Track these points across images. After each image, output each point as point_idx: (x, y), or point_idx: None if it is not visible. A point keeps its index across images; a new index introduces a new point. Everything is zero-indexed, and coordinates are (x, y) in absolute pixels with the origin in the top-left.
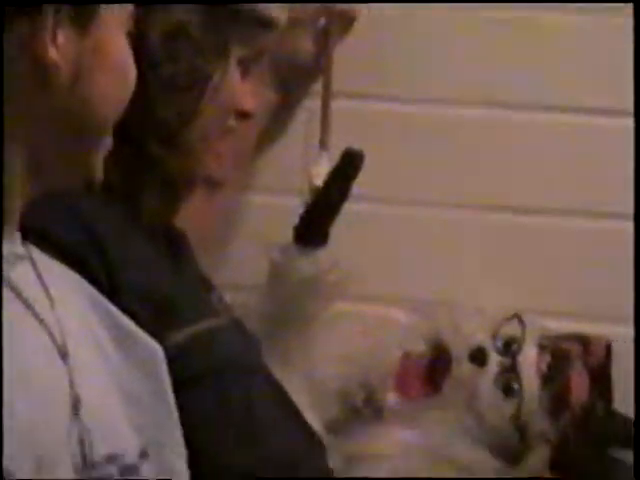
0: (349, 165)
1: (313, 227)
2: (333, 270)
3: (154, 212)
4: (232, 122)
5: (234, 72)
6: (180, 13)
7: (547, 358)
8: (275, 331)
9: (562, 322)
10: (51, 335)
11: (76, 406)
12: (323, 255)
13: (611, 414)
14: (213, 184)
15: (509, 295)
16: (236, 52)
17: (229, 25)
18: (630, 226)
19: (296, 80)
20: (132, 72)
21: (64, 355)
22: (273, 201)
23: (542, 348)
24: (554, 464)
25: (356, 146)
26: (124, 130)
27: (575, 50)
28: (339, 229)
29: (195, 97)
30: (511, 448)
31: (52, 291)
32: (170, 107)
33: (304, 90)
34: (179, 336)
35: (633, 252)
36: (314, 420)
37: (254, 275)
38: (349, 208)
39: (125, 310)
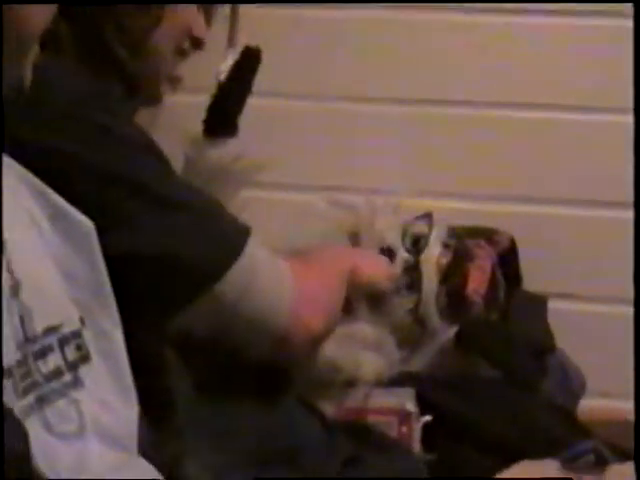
0: (248, 60)
1: (219, 119)
2: (240, 159)
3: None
4: (186, 46)
5: None
6: None
7: (449, 256)
8: None
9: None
10: None
11: (16, 289)
12: (231, 146)
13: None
14: (174, 81)
15: (424, 184)
16: None
17: None
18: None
19: None
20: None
21: (0, 244)
22: (190, 99)
23: (446, 247)
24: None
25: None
26: (94, 38)
27: None
28: (252, 123)
29: (156, 9)
30: (411, 341)
31: None
32: (135, 17)
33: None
34: None
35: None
36: None
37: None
38: (260, 103)
39: None
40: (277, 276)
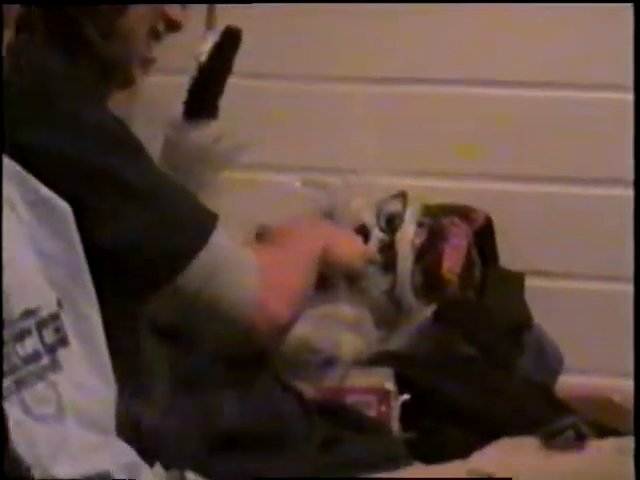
0: (228, 41)
1: (199, 100)
2: (221, 140)
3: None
4: (161, 28)
5: None
6: None
7: (423, 234)
8: None
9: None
10: None
11: None
12: (212, 127)
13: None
14: (147, 63)
15: (396, 162)
16: None
17: None
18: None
19: None
20: None
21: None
22: (169, 80)
23: (420, 225)
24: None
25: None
26: (64, 19)
27: None
28: (230, 104)
29: None
30: (387, 320)
31: None
32: None
33: None
34: None
35: None
36: None
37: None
38: (239, 84)
39: None
40: (242, 267)
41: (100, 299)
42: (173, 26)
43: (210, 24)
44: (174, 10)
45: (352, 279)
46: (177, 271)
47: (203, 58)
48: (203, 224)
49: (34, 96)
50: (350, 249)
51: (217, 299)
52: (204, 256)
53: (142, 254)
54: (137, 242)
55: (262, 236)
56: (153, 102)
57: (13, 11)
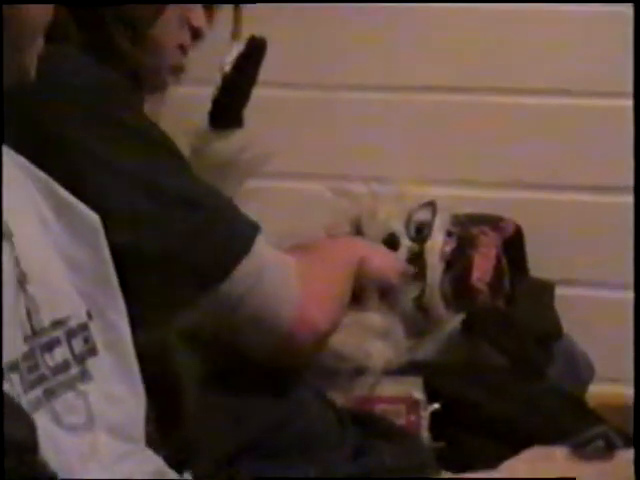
0: (253, 51)
1: (224, 110)
2: (247, 149)
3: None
4: (187, 40)
5: None
6: None
7: (453, 243)
8: None
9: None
10: None
11: (22, 282)
12: (237, 136)
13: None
14: (178, 70)
15: (428, 172)
16: None
17: None
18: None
19: None
20: None
21: (8, 236)
22: (194, 90)
23: (450, 235)
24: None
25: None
26: (96, 28)
27: None
28: (256, 114)
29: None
30: (416, 329)
31: None
32: (137, 8)
33: None
34: None
35: None
36: None
37: None
38: (264, 94)
39: None
40: (283, 275)
41: (139, 305)
42: (197, 35)
43: (236, 34)
44: (198, 18)
45: (384, 292)
46: (220, 278)
47: (228, 68)
48: (246, 232)
49: (77, 100)
50: (385, 264)
51: (259, 306)
52: (247, 264)
53: (186, 261)
54: (181, 248)
55: (298, 249)
56: (179, 112)
57: (42, 22)
